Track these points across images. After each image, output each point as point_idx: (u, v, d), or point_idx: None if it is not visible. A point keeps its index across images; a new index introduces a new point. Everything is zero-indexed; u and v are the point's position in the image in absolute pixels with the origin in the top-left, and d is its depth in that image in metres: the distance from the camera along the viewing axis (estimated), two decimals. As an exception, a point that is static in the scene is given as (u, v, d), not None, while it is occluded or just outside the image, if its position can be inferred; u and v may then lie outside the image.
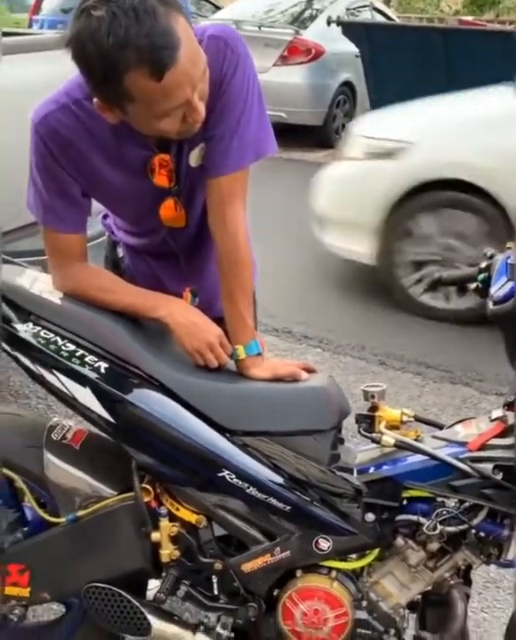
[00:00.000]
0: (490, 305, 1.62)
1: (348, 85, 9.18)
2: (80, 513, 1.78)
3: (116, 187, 1.71)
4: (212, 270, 1.83)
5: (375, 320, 4.43)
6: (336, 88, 8.98)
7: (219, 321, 1.79)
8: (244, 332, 1.74)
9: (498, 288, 1.62)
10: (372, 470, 1.70)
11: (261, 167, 7.08)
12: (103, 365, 1.67)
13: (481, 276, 1.75)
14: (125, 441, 1.71)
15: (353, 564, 1.74)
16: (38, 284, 1.77)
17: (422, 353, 4.04)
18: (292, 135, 8.81)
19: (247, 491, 1.67)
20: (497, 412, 1.68)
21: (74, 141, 1.63)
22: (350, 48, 8.12)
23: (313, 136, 8.93)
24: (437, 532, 1.62)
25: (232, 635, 1.78)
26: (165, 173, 1.69)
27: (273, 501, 1.68)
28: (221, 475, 1.67)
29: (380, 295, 4.76)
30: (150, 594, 1.84)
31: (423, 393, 3.65)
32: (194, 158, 1.70)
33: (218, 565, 1.75)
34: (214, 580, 1.77)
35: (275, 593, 1.75)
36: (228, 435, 1.68)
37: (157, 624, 1.79)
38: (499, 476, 1.60)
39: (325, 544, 1.69)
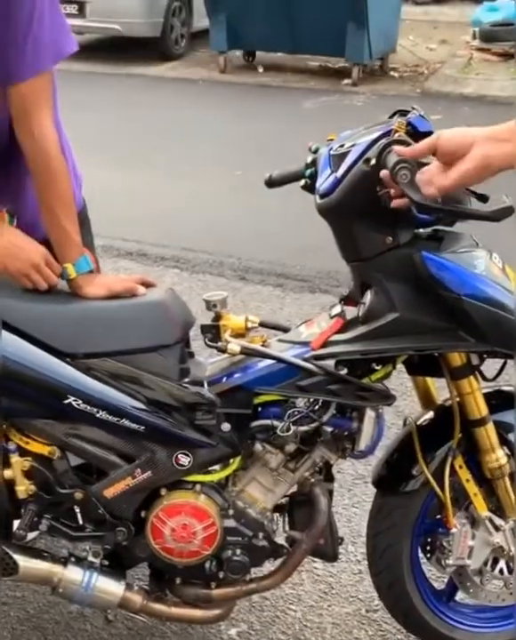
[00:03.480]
0: (317, 199, 1.59)
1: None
2: None
3: None
4: (31, 188, 1.71)
5: (232, 234, 4.38)
6: (169, -4, 8.54)
7: (47, 244, 1.69)
8: (71, 249, 1.65)
9: (323, 181, 1.58)
10: (224, 380, 1.67)
11: (101, 85, 6.83)
12: None
13: (308, 172, 1.71)
14: None
15: (217, 476, 1.73)
16: None
17: (280, 265, 4.04)
18: (130, 49, 8.50)
19: (97, 415, 1.62)
20: (336, 309, 1.67)
21: None
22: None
23: (152, 48, 8.56)
24: (291, 432, 1.62)
25: (105, 562, 1.76)
26: None
27: (126, 423, 1.63)
28: (67, 402, 1.61)
29: (235, 205, 4.71)
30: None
31: (284, 305, 3.66)
32: None
33: (79, 495, 1.70)
34: (77, 510, 1.73)
35: (142, 514, 1.72)
36: (68, 359, 1.61)
37: (23, 562, 1.74)
38: (343, 371, 1.60)
39: (185, 459, 1.67)
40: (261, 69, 8.30)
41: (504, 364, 1.72)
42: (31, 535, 1.76)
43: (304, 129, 5.96)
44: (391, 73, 8.26)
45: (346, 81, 7.80)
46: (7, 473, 1.68)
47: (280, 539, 1.77)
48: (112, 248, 4.14)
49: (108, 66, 8.05)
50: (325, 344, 1.61)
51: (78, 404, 1.61)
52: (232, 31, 7.83)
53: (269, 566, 1.80)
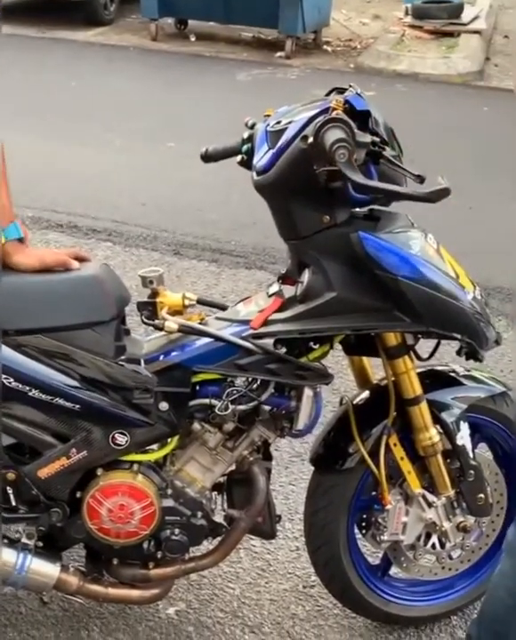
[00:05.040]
0: (254, 176, 1.57)
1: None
2: None
3: None
4: None
5: (165, 207, 4.33)
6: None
7: None
8: (0, 215, 1.60)
9: (260, 158, 1.57)
10: (161, 358, 1.65)
11: (25, 49, 6.60)
12: None
13: (245, 148, 1.69)
14: None
15: (155, 455, 1.72)
16: None
17: (215, 240, 4.00)
18: (56, 12, 8.21)
19: (30, 394, 1.59)
20: (274, 287, 1.66)
21: None
22: None
23: (79, 12, 8.27)
24: (229, 411, 1.62)
25: (40, 543, 1.73)
26: None
27: (60, 402, 1.60)
28: None
29: (168, 178, 4.66)
30: None
31: (219, 280, 3.63)
32: None
33: (11, 475, 1.67)
34: (10, 491, 1.69)
35: (78, 495, 1.70)
36: None
37: (-46, 546, 1.70)
38: (282, 351, 1.60)
39: (122, 439, 1.65)
40: (193, 38, 8.15)
41: (438, 344, 1.75)
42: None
43: (238, 101, 5.91)
44: (325, 47, 8.23)
45: (279, 54, 7.74)
46: None
47: (219, 517, 1.78)
48: (41, 219, 4.02)
49: (32, 29, 7.76)
50: (265, 323, 1.60)
51: (9, 383, 1.58)
52: (164, -2, 7.67)
53: (207, 545, 1.80)
